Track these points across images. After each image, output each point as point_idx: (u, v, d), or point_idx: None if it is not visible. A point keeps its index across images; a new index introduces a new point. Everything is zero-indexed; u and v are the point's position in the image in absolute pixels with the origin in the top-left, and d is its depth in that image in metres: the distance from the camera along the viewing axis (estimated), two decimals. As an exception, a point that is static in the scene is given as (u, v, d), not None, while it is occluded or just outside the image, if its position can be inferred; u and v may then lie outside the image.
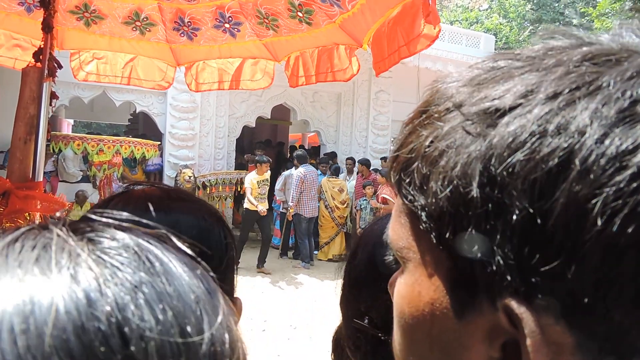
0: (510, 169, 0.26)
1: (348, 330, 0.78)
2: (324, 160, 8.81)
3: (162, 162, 8.88)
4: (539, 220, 0.25)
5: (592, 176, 0.24)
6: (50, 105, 1.79)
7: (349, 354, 0.78)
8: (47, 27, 1.80)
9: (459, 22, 21.84)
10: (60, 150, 7.64)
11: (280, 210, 8.14)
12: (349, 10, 2.06)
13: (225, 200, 8.75)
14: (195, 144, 8.93)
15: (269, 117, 10.05)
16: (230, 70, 2.70)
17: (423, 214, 0.30)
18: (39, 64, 1.79)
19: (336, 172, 8.35)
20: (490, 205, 0.26)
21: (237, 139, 9.60)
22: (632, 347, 0.25)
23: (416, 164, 0.30)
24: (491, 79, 0.30)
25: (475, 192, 0.27)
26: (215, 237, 0.62)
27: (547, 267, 0.25)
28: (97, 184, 7.82)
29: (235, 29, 2.46)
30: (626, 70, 0.26)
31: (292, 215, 7.56)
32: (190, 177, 8.15)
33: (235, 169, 9.25)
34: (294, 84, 2.54)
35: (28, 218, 1.64)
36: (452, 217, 0.28)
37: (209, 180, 8.59)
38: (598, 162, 0.24)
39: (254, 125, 9.86)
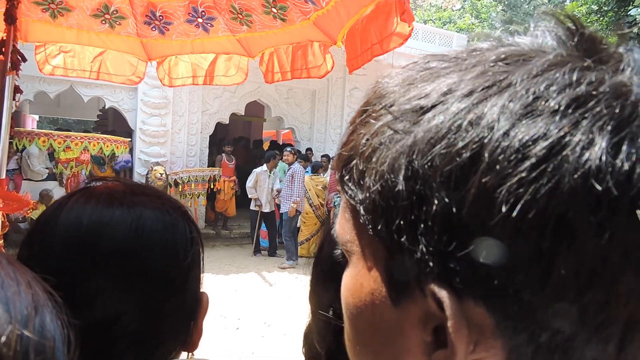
0: (430, 163, 0.28)
1: (315, 322, 0.80)
2: (304, 157, 8.76)
3: (131, 159, 8.68)
4: (454, 210, 0.27)
5: (498, 167, 0.26)
6: (14, 99, 1.72)
7: (316, 346, 0.80)
8: (10, 18, 1.73)
9: (432, 21, 22.15)
10: (24, 147, 7.38)
11: (252, 207, 8.05)
12: (323, 8, 2.06)
13: (198, 197, 8.64)
14: (167, 141, 8.77)
15: (243, 114, 9.96)
16: (204, 65, 2.66)
17: (361, 208, 0.32)
18: (1, 57, 1.72)
19: (316, 169, 8.31)
20: (414, 197, 0.28)
21: (210, 136, 9.48)
22: (541, 324, 0.26)
23: (355, 160, 0.32)
24: (421, 78, 0.32)
25: (400, 185, 0.28)
26: (180, 232, 0.61)
27: (462, 253, 0.26)
28: (64, 182, 7.58)
29: (209, 24, 2.43)
30: (532, 68, 0.28)
31: (285, 213, 7.45)
32: (161, 174, 8.00)
33: (208, 166, 9.14)
34: (269, 80, 2.52)
35: (-10, 217, 1.58)
36: (384, 209, 0.30)
37: (182, 177, 8.45)
38: (504, 154, 0.26)
39: (227, 122, 9.75)
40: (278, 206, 7.89)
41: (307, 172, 8.08)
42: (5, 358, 0.23)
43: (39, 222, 0.59)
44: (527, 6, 19.94)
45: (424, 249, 0.28)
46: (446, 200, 0.27)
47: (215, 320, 4.60)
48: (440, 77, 0.30)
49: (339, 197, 7.84)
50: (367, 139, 0.31)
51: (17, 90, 1.75)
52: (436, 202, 0.27)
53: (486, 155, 0.26)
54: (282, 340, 4.48)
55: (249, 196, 8.03)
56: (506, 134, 0.26)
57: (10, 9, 1.75)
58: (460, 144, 0.27)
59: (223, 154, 9.02)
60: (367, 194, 0.31)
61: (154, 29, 2.47)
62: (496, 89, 0.28)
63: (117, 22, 2.44)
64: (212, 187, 8.64)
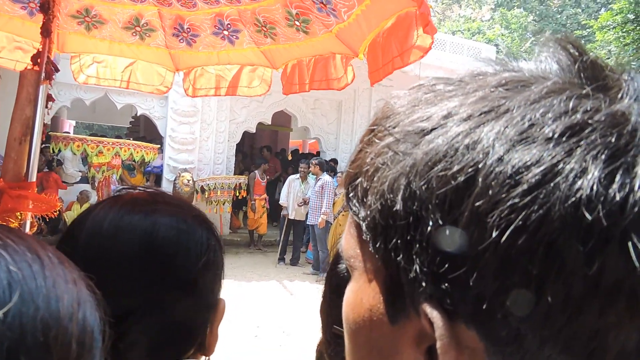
0: (427, 185, 0.28)
1: (328, 336, 0.80)
2: (331, 168, 8.56)
3: (161, 165, 8.90)
4: (447, 232, 0.27)
5: (491, 192, 0.26)
6: (46, 107, 1.81)
7: None
8: (46, 31, 1.82)
9: (461, 32, 21.95)
10: (59, 151, 7.67)
11: (282, 214, 8.04)
12: (345, 20, 2.09)
13: (224, 204, 8.76)
14: (195, 148, 8.96)
15: (270, 123, 10.08)
16: (228, 76, 2.72)
17: (363, 224, 0.32)
18: (37, 67, 1.81)
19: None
20: (411, 217, 0.29)
21: (237, 144, 9.63)
22: (530, 352, 0.26)
23: (360, 179, 0.33)
24: (425, 101, 0.32)
25: (399, 205, 0.29)
26: (196, 239, 0.65)
27: (454, 275, 0.27)
28: (96, 185, 7.83)
29: (234, 36, 2.49)
30: (530, 95, 0.28)
31: (318, 224, 7.27)
32: (188, 180, 8.16)
33: (234, 174, 9.27)
34: (287, 92, 2.57)
35: (20, 217, 1.66)
36: (383, 228, 0.30)
37: (208, 184, 8.60)
38: (497, 179, 0.26)
39: (254, 131, 9.88)
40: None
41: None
42: (53, 348, 0.28)
43: (70, 226, 0.66)
44: (559, 16, 19.52)
45: (418, 269, 0.28)
46: (440, 222, 0.27)
47: (234, 327, 4.64)
48: (444, 101, 0.31)
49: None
50: (372, 158, 0.32)
51: (49, 98, 1.84)
52: (431, 223, 0.27)
53: (480, 179, 0.26)
54: (300, 350, 4.47)
55: (280, 202, 8.04)
56: (500, 159, 0.26)
57: (47, 23, 1.84)
58: (456, 168, 0.27)
59: (256, 171, 8.81)
60: (369, 212, 0.31)
61: (181, 40, 2.56)
62: (494, 115, 0.28)
63: (147, 34, 2.54)
64: (237, 194, 8.75)
